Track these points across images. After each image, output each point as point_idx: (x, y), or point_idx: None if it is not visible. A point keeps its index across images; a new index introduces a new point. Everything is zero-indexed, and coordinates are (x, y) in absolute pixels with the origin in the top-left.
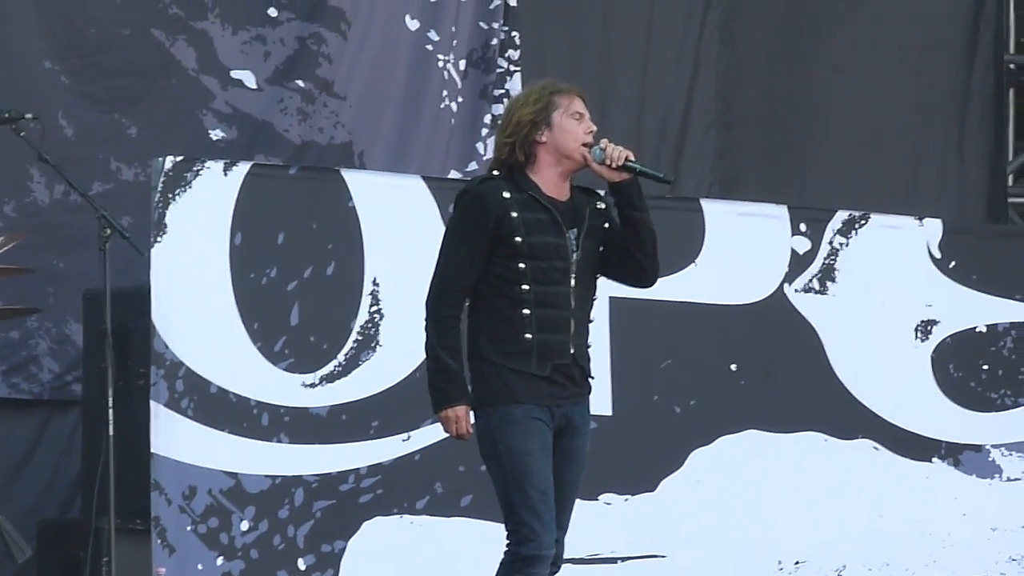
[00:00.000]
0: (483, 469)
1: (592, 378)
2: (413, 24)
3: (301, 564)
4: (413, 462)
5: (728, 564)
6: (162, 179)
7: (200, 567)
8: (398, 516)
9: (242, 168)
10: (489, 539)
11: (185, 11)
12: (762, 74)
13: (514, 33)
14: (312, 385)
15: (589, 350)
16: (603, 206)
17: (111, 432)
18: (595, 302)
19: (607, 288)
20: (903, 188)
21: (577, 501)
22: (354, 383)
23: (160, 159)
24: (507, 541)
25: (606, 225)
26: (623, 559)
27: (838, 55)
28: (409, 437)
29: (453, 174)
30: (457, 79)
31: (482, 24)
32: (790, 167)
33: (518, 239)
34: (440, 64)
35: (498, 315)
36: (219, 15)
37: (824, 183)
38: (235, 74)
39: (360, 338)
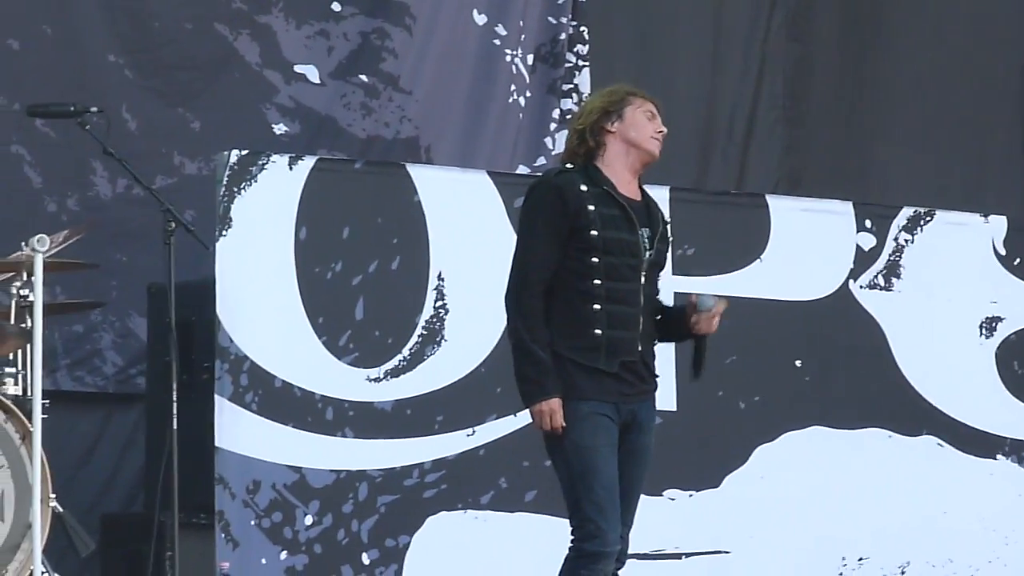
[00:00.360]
0: (548, 464)
1: (658, 376)
2: (480, 19)
3: (365, 559)
4: (477, 457)
5: (792, 560)
6: (227, 173)
7: (264, 561)
8: (462, 511)
9: (307, 162)
10: (554, 534)
11: (248, 5)
12: (828, 71)
13: (582, 28)
14: (377, 380)
15: (655, 347)
16: (668, 219)
17: (175, 426)
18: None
19: (671, 283)
20: (968, 185)
21: (641, 496)
22: (419, 378)
23: (225, 153)
24: (572, 537)
25: (671, 239)
26: (687, 555)
27: (903, 52)
28: (474, 432)
29: (521, 169)
30: (525, 74)
31: (550, 19)
32: (856, 164)
33: (594, 233)
34: (508, 59)
35: (569, 309)
36: (282, 9)
37: (890, 180)
38: (299, 68)
39: (425, 333)
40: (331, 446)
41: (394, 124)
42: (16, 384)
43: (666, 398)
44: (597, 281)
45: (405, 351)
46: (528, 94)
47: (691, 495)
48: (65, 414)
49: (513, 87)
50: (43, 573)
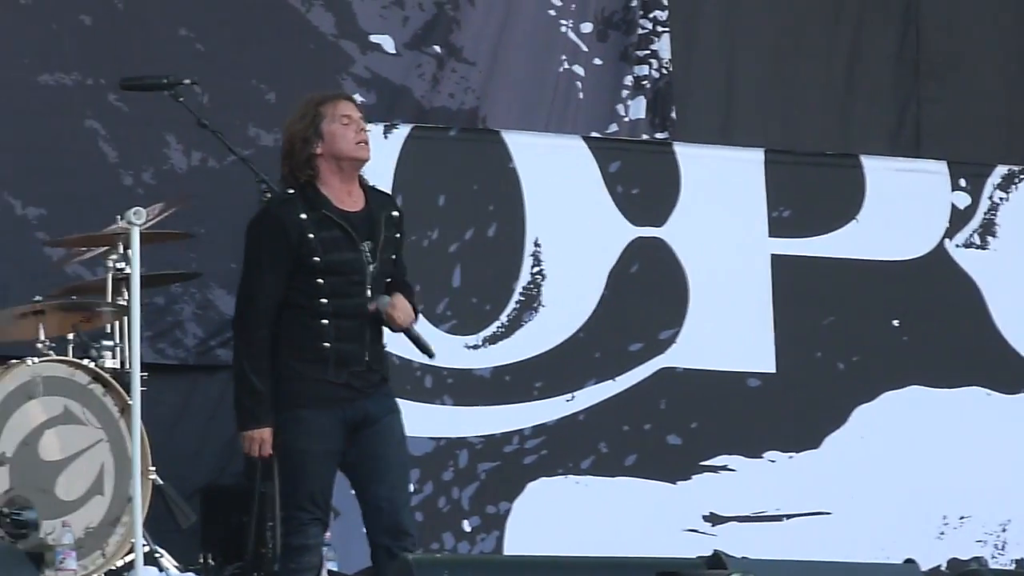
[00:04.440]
0: (647, 428)
1: (387, 380)
2: None
3: (466, 526)
4: (577, 422)
5: (893, 520)
6: None
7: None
8: (563, 476)
9: (403, 131)
10: (653, 498)
11: None
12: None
13: None
14: (475, 347)
15: (383, 349)
16: (397, 214)
17: None
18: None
19: (768, 245)
20: None
21: (741, 459)
22: (517, 344)
23: None
24: (281, 533)
25: (398, 235)
26: (788, 516)
27: None
28: (573, 397)
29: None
30: (580, 43)
31: None
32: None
33: (316, 259)
34: (563, 29)
35: (299, 324)
36: None
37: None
38: (374, 39)
39: (522, 299)
40: (430, 414)
41: (459, 95)
42: (114, 358)
43: (766, 360)
44: (324, 300)
45: (503, 317)
46: (596, 61)
47: (791, 456)
48: (149, 387)
49: (564, 56)
50: (144, 546)
